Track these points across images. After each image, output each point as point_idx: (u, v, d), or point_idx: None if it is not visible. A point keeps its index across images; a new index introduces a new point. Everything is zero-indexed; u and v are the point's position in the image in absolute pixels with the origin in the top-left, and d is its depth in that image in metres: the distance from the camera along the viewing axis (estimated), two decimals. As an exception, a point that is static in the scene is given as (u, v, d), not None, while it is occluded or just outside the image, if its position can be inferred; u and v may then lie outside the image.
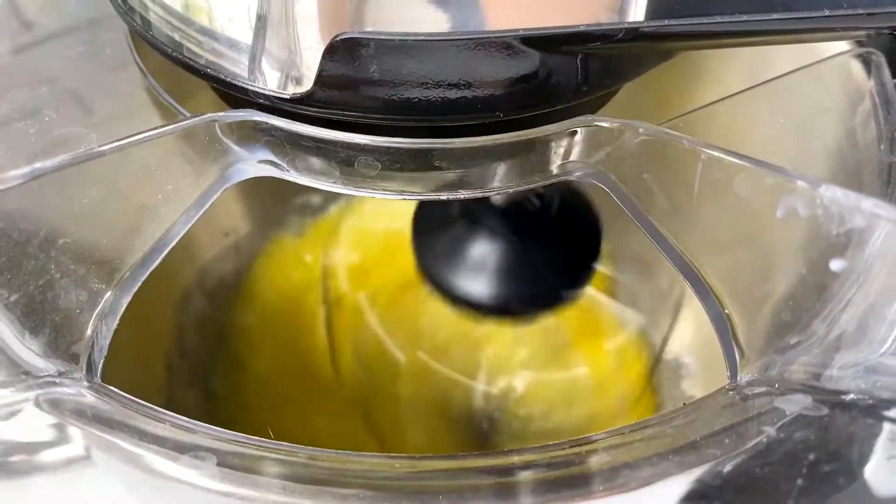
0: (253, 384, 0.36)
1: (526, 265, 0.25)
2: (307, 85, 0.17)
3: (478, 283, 0.25)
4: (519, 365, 0.35)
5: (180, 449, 0.16)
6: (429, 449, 0.32)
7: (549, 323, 0.34)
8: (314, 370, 0.35)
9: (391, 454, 0.16)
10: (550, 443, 0.16)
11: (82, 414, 0.16)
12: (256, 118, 0.18)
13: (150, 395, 0.35)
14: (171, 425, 0.16)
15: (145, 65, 0.23)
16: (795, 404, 0.15)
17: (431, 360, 0.34)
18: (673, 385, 0.35)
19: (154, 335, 0.36)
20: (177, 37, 0.19)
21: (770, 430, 0.15)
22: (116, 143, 0.16)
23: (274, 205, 0.42)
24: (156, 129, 0.17)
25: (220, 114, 0.18)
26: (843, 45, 0.25)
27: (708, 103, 0.21)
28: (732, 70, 0.31)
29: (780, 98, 0.23)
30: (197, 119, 0.18)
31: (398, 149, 0.17)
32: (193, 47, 0.18)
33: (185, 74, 0.19)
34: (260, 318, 0.38)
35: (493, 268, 0.25)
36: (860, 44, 0.24)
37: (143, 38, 0.20)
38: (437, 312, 0.29)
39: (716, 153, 0.16)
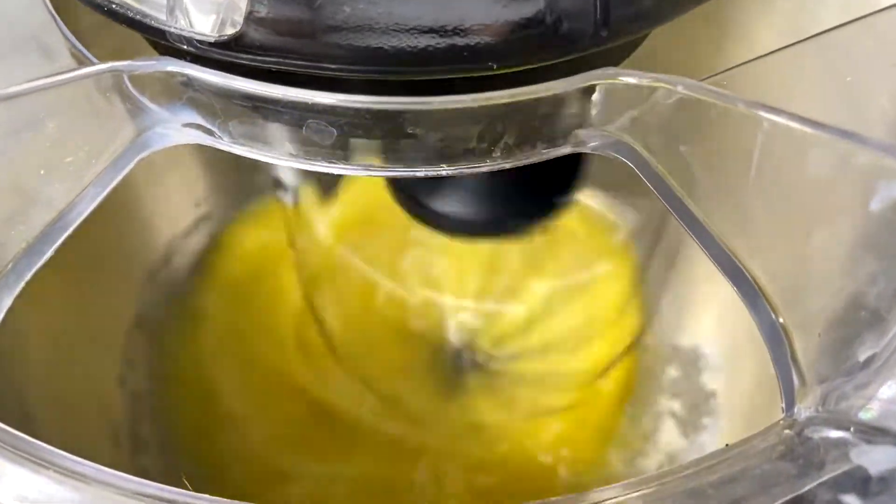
0: (222, 362, 0.33)
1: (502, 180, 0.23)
2: (237, 25, 0.13)
3: (452, 201, 0.23)
4: (494, 285, 0.32)
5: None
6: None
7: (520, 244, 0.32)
8: (286, 354, 0.32)
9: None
10: (553, 498, 0.13)
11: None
12: (170, 68, 0.13)
13: (107, 382, 0.31)
14: (57, 471, 0.12)
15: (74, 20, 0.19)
16: (884, 460, 0.11)
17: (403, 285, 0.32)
18: (691, 379, 0.31)
19: (112, 316, 0.33)
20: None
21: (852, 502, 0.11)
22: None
23: (252, 170, 0.38)
24: (34, 81, 0.13)
25: (125, 62, 0.13)
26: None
27: (743, 62, 0.17)
28: (769, 26, 0.28)
29: (827, 55, 0.19)
30: (93, 69, 0.13)
31: (359, 109, 0.13)
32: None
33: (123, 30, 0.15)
34: (231, 294, 0.34)
35: (467, 184, 0.23)
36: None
37: None
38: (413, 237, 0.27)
39: (783, 120, 0.12)
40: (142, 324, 0.33)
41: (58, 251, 0.30)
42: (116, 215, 0.33)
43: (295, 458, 0.30)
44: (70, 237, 0.31)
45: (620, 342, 0.32)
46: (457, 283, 0.32)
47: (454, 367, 0.32)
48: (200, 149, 0.35)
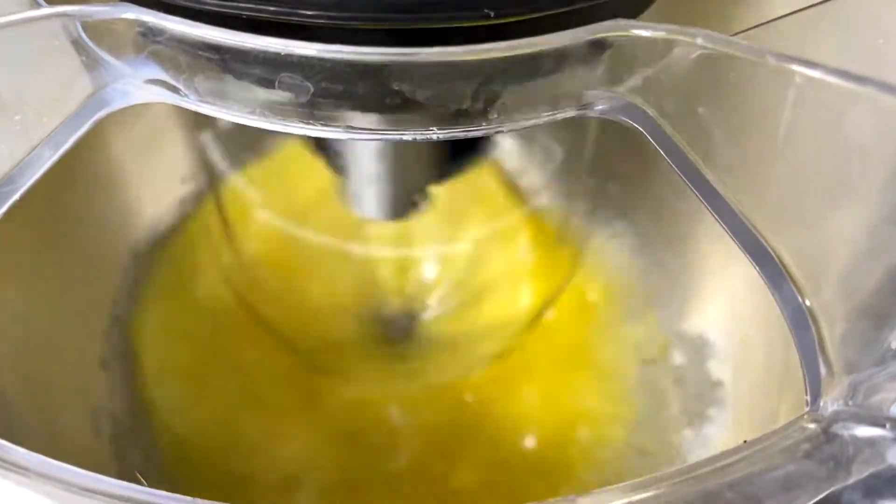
0: (207, 346, 0.32)
1: None
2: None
3: None
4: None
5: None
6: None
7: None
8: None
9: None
10: (559, 498, 0.11)
11: None
12: (127, 15, 0.12)
13: (88, 365, 0.30)
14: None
15: None
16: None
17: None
18: (697, 367, 0.30)
19: (94, 297, 0.31)
20: None
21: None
22: None
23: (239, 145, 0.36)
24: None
25: (76, 7, 0.12)
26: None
27: (759, 24, 0.16)
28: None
29: (848, 18, 0.18)
30: (38, 13, 0.12)
31: (338, 62, 0.12)
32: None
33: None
34: (218, 274, 0.33)
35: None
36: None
37: None
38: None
39: (819, 74, 0.10)
40: (125, 304, 0.31)
41: (41, 231, 0.28)
42: (99, 192, 0.31)
43: (279, 447, 0.29)
44: (52, 214, 0.30)
45: (547, 287, 0.32)
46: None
47: (392, 335, 0.32)
48: (186, 122, 0.34)
